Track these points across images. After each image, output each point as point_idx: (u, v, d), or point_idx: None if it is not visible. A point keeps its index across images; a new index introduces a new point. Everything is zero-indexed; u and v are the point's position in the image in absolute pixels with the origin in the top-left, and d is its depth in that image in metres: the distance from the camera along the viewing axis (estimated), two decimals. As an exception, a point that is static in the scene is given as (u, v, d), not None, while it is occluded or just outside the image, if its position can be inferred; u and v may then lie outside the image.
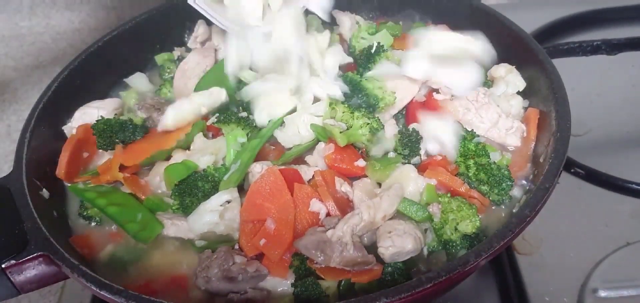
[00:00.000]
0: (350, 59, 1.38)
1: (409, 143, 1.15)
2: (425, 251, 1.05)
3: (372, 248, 1.03)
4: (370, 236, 1.06)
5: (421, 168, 1.14)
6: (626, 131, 1.60)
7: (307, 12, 1.38)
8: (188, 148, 1.24)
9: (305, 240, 1.01)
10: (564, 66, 1.31)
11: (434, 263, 1.04)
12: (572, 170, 1.44)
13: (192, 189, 1.12)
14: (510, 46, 1.37)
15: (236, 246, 1.07)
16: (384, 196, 1.05)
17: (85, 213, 1.18)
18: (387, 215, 1.04)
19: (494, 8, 1.46)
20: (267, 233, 1.03)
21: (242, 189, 1.14)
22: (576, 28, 1.91)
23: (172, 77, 1.47)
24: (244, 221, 1.07)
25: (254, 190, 1.07)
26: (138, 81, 1.50)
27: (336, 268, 0.98)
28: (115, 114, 1.34)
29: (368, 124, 1.15)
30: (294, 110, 1.24)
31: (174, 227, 1.12)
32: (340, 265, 0.98)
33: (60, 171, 1.21)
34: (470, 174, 1.13)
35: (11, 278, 1.01)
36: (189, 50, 1.57)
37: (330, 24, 1.51)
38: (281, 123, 1.22)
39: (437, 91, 1.29)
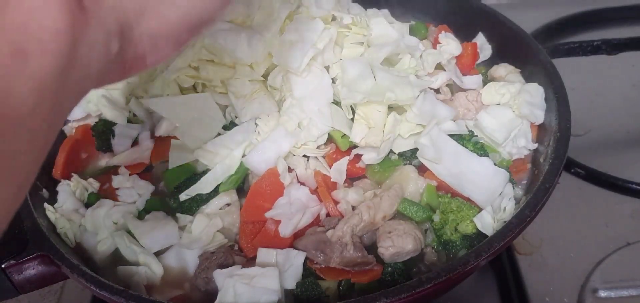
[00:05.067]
0: None
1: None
2: (425, 252, 1.05)
3: (372, 248, 1.03)
4: (370, 236, 1.06)
5: (421, 169, 1.14)
6: (626, 131, 1.60)
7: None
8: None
9: (305, 240, 1.01)
10: (564, 66, 1.31)
11: (434, 264, 1.04)
12: (572, 170, 1.44)
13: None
14: (511, 46, 1.37)
15: (236, 247, 1.07)
16: (384, 196, 1.05)
17: (85, 213, 1.17)
18: (387, 215, 1.04)
19: (494, 8, 1.46)
20: (267, 233, 1.03)
21: (241, 191, 1.14)
22: (576, 28, 1.90)
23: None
24: (245, 222, 1.06)
25: (255, 191, 1.07)
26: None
27: (336, 268, 0.98)
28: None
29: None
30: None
31: (174, 229, 1.11)
32: (340, 265, 0.98)
33: (57, 171, 1.20)
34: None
35: (11, 278, 1.00)
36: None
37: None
38: None
39: (437, 90, 1.29)
